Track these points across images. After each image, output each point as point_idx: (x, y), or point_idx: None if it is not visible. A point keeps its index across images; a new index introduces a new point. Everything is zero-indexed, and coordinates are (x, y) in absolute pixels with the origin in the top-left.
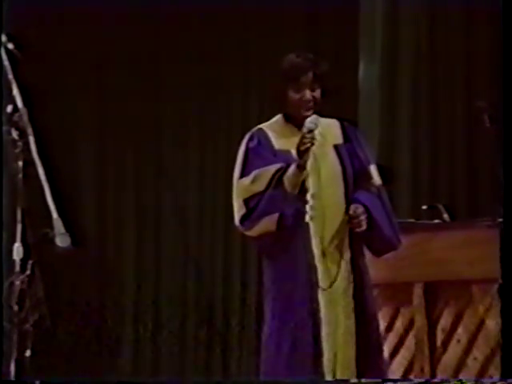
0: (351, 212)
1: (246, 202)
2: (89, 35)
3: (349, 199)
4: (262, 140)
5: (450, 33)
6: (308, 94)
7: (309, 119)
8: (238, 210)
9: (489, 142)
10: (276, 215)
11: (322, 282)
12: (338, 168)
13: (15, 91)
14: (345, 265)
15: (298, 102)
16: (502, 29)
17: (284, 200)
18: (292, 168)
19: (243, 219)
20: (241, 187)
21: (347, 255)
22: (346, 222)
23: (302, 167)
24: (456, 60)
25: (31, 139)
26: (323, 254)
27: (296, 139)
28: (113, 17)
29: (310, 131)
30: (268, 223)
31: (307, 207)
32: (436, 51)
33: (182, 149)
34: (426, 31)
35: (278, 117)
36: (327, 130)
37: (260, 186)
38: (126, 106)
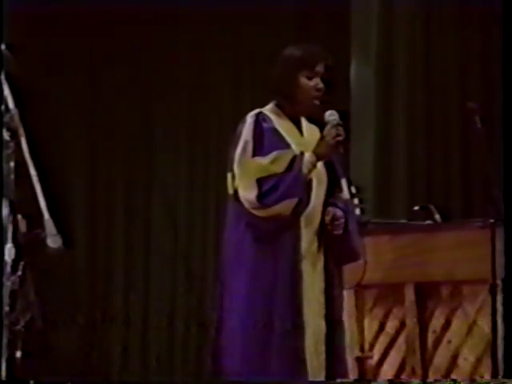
0: (331, 214)
1: (260, 181)
2: (80, 36)
3: (327, 203)
4: (272, 124)
5: (444, 34)
6: (320, 83)
7: (329, 112)
8: (249, 188)
9: (481, 143)
10: (295, 200)
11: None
12: (324, 172)
13: (6, 92)
14: (320, 268)
15: (310, 90)
16: (500, 30)
17: (304, 186)
18: (310, 155)
19: (262, 197)
20: (256, 166)
21: (321, 258)
22: (322, 225)
23: (320, 156)
24: (450, 61)
25: (23, 140)
26: (305, 255)
27: (294, 135)
28: (103, 17)
29: (339, 124)
30: (286, 206)
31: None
32: (430, 52)
33: (172, 149)
34: (420, 32)
35: (272, 107)
36: (316, 135)
37: (280, 167)
38: (117, 106)
